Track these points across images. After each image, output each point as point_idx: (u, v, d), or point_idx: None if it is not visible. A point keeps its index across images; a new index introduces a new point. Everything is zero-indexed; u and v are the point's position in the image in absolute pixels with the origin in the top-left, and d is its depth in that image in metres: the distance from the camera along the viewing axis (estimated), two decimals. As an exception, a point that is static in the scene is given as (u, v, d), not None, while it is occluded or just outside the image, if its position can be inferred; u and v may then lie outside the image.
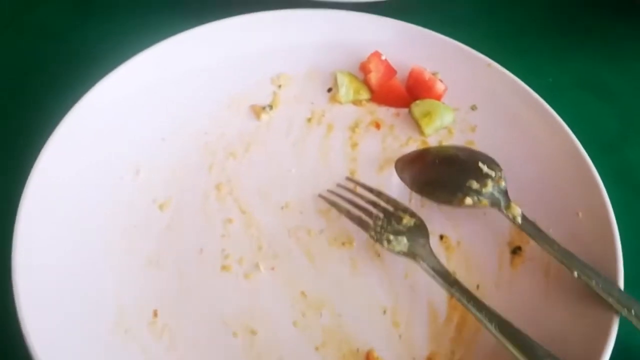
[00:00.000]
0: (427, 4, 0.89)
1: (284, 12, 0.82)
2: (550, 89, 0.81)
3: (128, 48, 0.76)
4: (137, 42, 0.77)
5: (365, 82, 0.81)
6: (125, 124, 0.73)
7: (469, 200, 0.68)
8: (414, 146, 0.78)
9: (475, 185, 0.68)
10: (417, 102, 0.79)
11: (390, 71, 0.80)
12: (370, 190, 0.71)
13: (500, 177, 0.69)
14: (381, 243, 0.66)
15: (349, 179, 0.74)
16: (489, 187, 0.68)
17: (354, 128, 0.79)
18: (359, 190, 0.72)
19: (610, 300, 0.61)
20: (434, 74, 0.80)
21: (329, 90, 0.82)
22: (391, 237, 0.66)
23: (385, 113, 0.81)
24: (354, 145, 0.78)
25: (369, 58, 0.81)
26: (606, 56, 0.93)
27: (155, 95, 0.76)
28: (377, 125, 0.79)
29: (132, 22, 0.88)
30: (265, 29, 0.82)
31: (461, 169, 0.71)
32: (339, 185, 0.73)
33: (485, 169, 0.70)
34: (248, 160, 0.75)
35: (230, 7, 0.83)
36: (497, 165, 0.70)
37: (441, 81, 0.79)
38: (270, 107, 0.79)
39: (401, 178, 0.73)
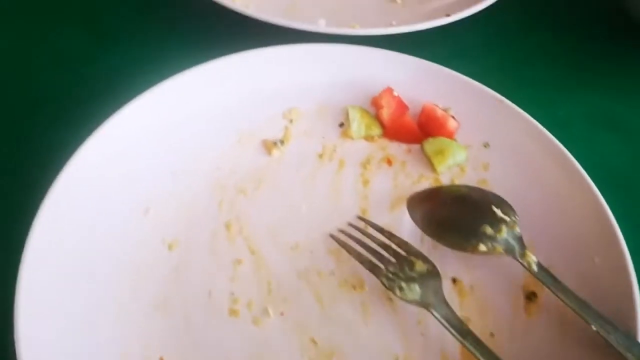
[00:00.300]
0: (436, 36, 0.88)
1: (295, 47, 0.81)
2: (561, 123, 0.80)
3: (139, 82, 0.76)
4: (148, 77, 0.76)
5: (377, 118, 0.80)
6: (135, 160, 0.72)
7: (482, 247, 0.66)
8: (426, 184, 0.77)
9: (489, 231, 0.66)
10: (430, 139, 0.78)
11: (402, 107, 0.79)
12: (382, 231, 0.70)
13: (515, 223, 0.67)
14: (393, 291, 0.65)
15: (360, 218, 0.73)
16: (504, 233, 0.66)
17: (365, 164, 0.78)
18: (371, 230, 0.71)
19: (629, 356, 0.59)
20: (445, 109, 0.79)
21: (341, 125, 0.81)
22: (403, 284, 0.65)
23: (397, 149, 0.80)
24: (366, 183, 0.76)
25: (381, 94, 0.80)
26: (618, 90, 0.92)
27: (166, 130, 0.75)
28: (389, 162, 0.78)
29: (144, 56, 0.88)
30: (276, 64, 0.81)
31: (475, 212, 0.70)
32: (350, 225, 0.72)
33: (499, 213, 0.68)
34: (258, 198, 0.74)
35: (241, 41, 0.82)
36: (512, 209, 0.69)
37: (454, 118, 0.78)
38: (282, 142, 0.78)
39: (413, 218, 0.71)
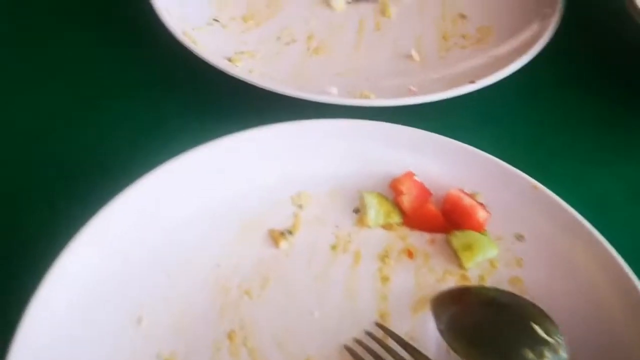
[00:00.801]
0: (455, 103, 0.80)
1: (303, 124, 0.74)
2: (599, 202, 0.75)
3: (135, 166, 0.69)
4: (140, 162, 0.70)
5: (396, 204, 0.72)
6: (125, 260, 0.65)
7: (522, 377, 0.56)
8: (451, 281, 0.69)
9: (530, 356, 0.58)
10: (457, 233, 0.70)
11: (424, 193, 0.72)
12: (404, 345, 0.63)
13: (559, 344, 0.59)
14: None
15: (379, 325, 0.65)
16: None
17: (384, 257, 0.70)
18: (391, 342, 0.63)
19: None
20: (473, 195, 0.71)
21: (356, 211, 0.73)
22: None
23: (418, 239, 0.72)
24: (385, 280, 0.69)
25: (401, 179, 0.72)
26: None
27: (159, 223, 0.68)
28: (410, 254, 0.70)
29: (136, 139, 0.80)
30: (283, 142, 0.74)
31: (511, 328, 0.61)
32: (367, 334, 0.64)
33: (541, 332, 0.60)
34: (265, 300, 0.67)
35: (242, 114, 0.76)
36: (554, 324, 0.60)
37: (483, 206, 0.69)
38: (290, 232, 0.71)
39: (438, 327, 0.63)
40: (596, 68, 0.93)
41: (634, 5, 0.81)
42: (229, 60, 0.83)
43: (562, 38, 0.88)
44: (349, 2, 0.95)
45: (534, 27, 0.89)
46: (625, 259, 0.64)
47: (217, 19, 0.90)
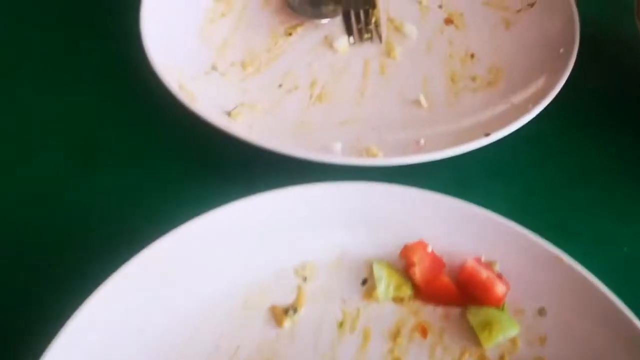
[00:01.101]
0: (467, 159, 0.76)
1: (306, 188, 0.69)
2: (625, 261, 0.70)
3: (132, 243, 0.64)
4: (128, 237, 0.66)
5: (407, 275, 0.67)
6: (116, 347, 0.62)
7: None
8: (470, 363, 0.62)
9: None
10: (473, 310, 0.66)
11: (437, 264, 0.68)
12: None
13: None
14: None
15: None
16: None
17: (395, 335, 0.66)
18: None
19: None
20: (490, 264, 0.67)
21: (364, 282, 0.69)
22: None
23: (432, 314, 0.67)
24: (397, 362, 0.61)
25: (412, 248, 0.68)
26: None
27: (157, 301, 0.64)
28: (424, 331, 0.66)
29: (129, 210, 0.76)
30: (283, 209, 0.69)
31: None
32: None
33: None
34: (269, 386, 0.59)
35: (246, 180, 0.73)
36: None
37: (501, 278, 0.65)
38: (295, 309, 0.67)
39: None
40: (613, 110, 0.88)
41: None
42: (229, 115, 0.79)
43: (576, 80, 0.82)
44: (352, 44, 0.88)
45: (548, 69, 0.85)
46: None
47: (216, 67, 0.85)
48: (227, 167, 0.79)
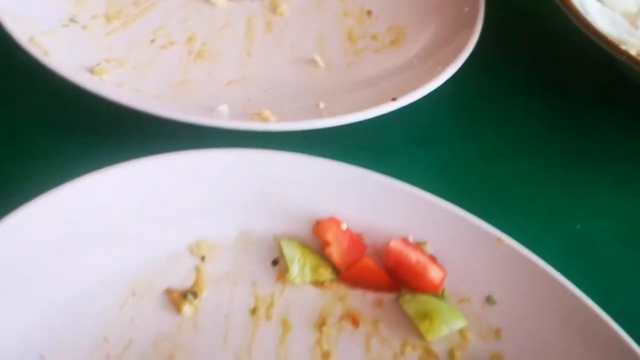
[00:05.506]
0: (379, 125, 0.66)
1: (188, 154, 0.59)
2: (578, 239, 0.63)
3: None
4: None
5: (325, 257, 0.58)
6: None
7: None
8: (414, 357, 0.55)
9: None
10: (407, 296, 0.56)
11: (357, 245, 0.59)
12: None
13: None
14: None
15: None
16: None
17: (320, 325, 0.56)
18: None
19: None
20: (420, 244, 0.58)
21: (274, 262, 0.59)
22: None
23: (361, 300, 0.58)
24: (326, 356, 0.54)
25: (323, 226, 0.58)
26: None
27: (19, 284, 0.52)
28: (355, 321, 0.56)
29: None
30: (168, 177, 0.58)
31: None
32: None
33: None
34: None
35: (118, 147, 0.60)
36: None
37: (434, 262, 0.57)
38: (194, 293, 0.55)
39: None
40: (539, 70, 0.82)
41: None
42: (92, 72, 0.66)
43: (486, 39, 0.74)
44: (230, -1, 0.77)
45: (455, 29, 0.77)
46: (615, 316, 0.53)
47: (75, 19, 0.72)
48: (97, 132, 0.67)
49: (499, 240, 0.57)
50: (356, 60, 0.76)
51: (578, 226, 0.66)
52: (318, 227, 0.59)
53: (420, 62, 0.74)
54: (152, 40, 0.74)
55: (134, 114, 0.61)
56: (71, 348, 0.52)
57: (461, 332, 0.56)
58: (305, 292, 0.57)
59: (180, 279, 0.57)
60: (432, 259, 0.57)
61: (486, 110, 0.75)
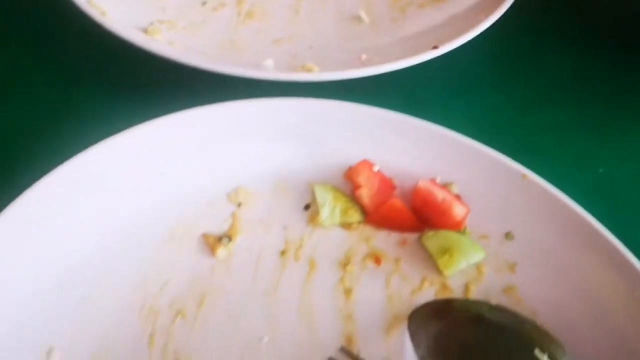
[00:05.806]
0: (418, 76, 0.69)
1: (235, 104, 0.61)
2: (601, 182, 0.64)
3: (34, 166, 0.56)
4: (44, 158, 0.57)
5: (355, 199, 0.60)
6: (28, 280, 0.53)
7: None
8: (430, 292, 0.57)
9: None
10: (429, 233, 0.58)
11: (387, 186, 0.60)
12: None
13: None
14: None
15: (344, 350, 0.53)
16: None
17: (345, 265, 0.58)
18: (361, 372, 0.49)
19: None
20: (446, 185, 0.60)
21: (306, 207, 0.61)
22: None
23: (385, 240, 0.60)
24: (348, 293, 0.57)
25: (356, 168, 0.61)
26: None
27: (70, 230, 0.56)
28: (377, 260, 0.58)
29: (45, 133, 0.67)
30: (212, 128, 0.61)
31: (510, 356, 0.49)
32: (331, 362, 0.50)
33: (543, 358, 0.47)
34: (203, 322, 0.55)
35: (168, 101, 0.63)
36: (561, 348, 0.49)
37: (459, 200, 0.58)
38: (229, 237, 0.58)
39: (418, 355, 0.52)
40: (579, 21, 0.82)
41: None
42: (145, 32, 0.70)
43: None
44: (282, -42, 0.79)
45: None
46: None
47: (129, -19, 0.74)
48: (148, 87, 0.70)
49: (523, 176, 0.59)
50: (400, 16, 0.78)
51: (601, 170, 0.66)
52: (351, 170, 0.61)
53: (462, 16, 0.75)
54: (204, 3, 0.76)
55: (184, 70, 0.65)
56: (118, 282, 0.56)
57: (477, 267, 0.58)
58: (333, 234, 0.60)
59: (217, 224, 0.59)
60: (458, 197, 0.59)
61: (519, 62, 0.77)
